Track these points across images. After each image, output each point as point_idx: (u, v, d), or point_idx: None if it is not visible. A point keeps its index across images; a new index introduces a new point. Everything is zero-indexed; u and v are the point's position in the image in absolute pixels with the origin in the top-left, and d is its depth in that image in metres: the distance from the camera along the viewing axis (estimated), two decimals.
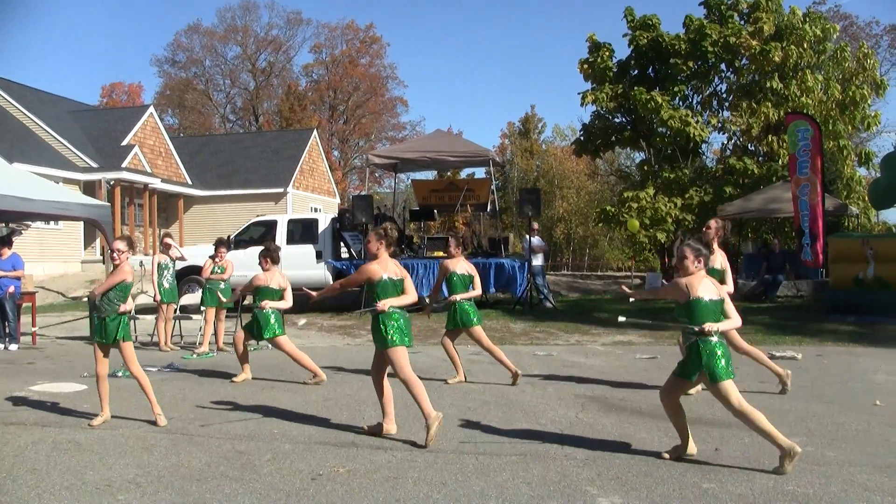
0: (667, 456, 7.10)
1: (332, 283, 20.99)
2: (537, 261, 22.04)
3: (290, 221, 22.30)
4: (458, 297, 10.79)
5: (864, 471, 6.64)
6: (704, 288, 6.83)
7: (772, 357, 12.45)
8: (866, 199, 25.03)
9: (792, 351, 12.91)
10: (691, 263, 6.90)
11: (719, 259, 9.67)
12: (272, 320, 11.24)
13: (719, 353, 6.70)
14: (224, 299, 14.69)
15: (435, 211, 27.09)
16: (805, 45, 28.27)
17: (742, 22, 29.92)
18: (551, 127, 78.94)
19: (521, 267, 21.05)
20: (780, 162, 28.01)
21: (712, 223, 9.88)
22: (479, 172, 33.66)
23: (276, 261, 11.67)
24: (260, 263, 11.60)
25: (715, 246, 9.53)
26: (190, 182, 39.16)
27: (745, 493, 6.11)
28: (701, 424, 8.33)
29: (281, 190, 38.37)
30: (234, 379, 11.38)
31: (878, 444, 7.46)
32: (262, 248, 11.93)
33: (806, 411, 8.84)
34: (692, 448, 7.11)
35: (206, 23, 78.26)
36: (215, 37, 67.36)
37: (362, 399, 9.89)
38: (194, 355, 14.12)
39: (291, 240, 21.47)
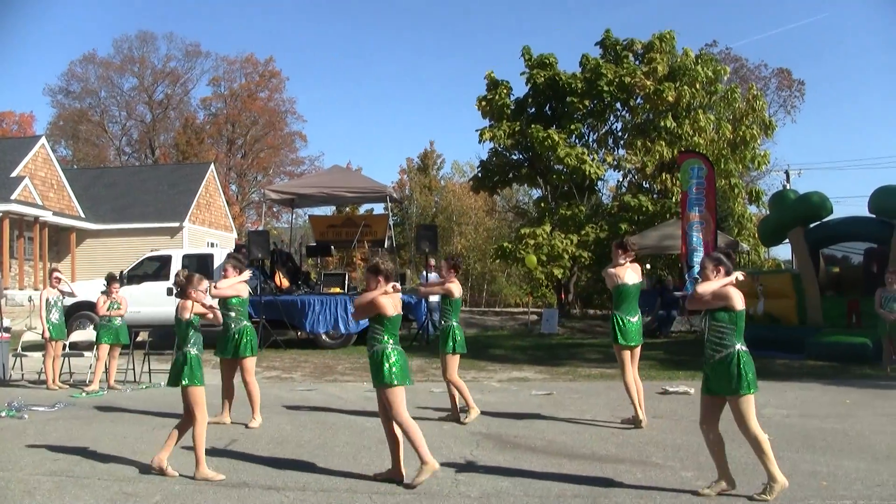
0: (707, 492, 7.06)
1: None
2: (434, 297, 22.02)
3: (185, 256, 21.92)
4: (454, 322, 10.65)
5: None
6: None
7: (664, 392, 12.66)
8: (756, 236, 25.64)
9: (685, 386, 13.08)
10: (711, 273, 7.06)
11: (634, 275, 10.12)
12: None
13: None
14: (121, 336, 14.38)
15: (332, 247, 26.93)
16: (697, 86, 29.02)
17: (637, 62, 30.59)
18: (450, 163, 79.34)
19: (417, 303, 21.03)
20: (673, 199, 28.58)
21: (632, 239, 10.34)
22: (378, 208, 33.66)
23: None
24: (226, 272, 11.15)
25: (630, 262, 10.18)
26: (83, 215, 38.19)
27: None
28: (594, 460, 8.38)
29: (177, 224, 37.73)
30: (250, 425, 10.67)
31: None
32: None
33: (697, 445, 8.89)
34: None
35: (101, 53, 76.62)
36: (111, 67, 66.15)
37: (255, 438, 9.72)
38: (83, 393, 13.71)
39: None
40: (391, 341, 7.56)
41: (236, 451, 9.12)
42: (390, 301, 7.55)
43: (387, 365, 7.47)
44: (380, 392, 7.64)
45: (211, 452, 8.63)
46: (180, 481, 7.73)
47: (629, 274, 10.08)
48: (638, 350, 10.20)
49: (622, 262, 10.10)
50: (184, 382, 8.15)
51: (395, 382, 7.48)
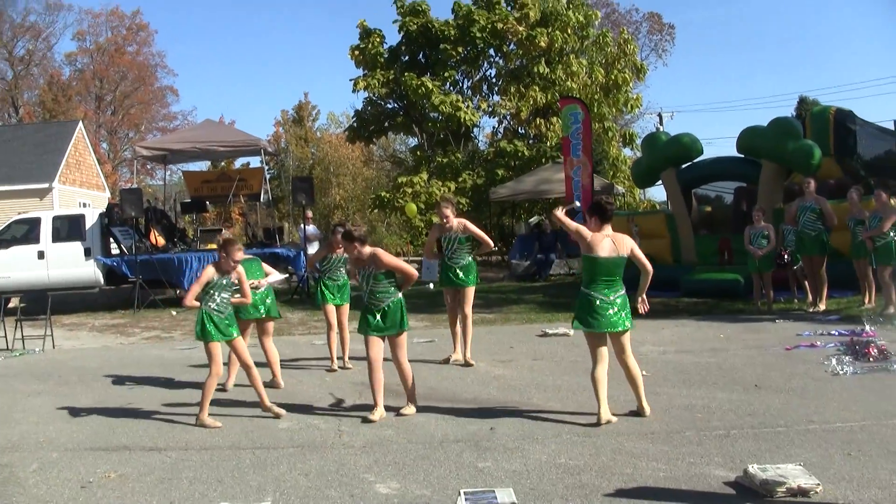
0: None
1: (101, 281, 20.28)
2: (313, 249, 21.91)
3: (56, 218, 21.20)
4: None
5: (630, 439, 6.92)
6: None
7: (544, 335, 12.85)
8: (630, 178, 26.09)
9: (564, 328, 13.24)
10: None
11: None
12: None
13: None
14: None
15: (207, 202, 26.51)
16: (569, 31, 29.32)
17: (509, 8, 30.71)
18: (325, 114, 78.67)
19: (296, 256, 20.88)
20: (548, 144, 28.96)
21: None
22: (254, 162, 33.22)
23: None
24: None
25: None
26: None
27: (520, 469, 6.24)
28: (477, 404, 8.48)
29: (46, 185, 36.30)
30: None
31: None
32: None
33: (577, 385, 9.09)
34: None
35: None
36: None
37: (136, 400, 9.55)
38: None
39: (57, 237, 20.44)
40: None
41: (116, 412, 8.95)
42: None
43: (404, 312, 8.15)
44: (397, 337, 8.18)
45: (73, 424, 8.49)
46: (58, 448, 7.55)
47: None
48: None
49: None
50: (196, 337, 8.46)
51: (407, 327, 8.24)
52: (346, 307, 10.87)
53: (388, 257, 8.21)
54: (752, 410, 7.64)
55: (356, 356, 10.98)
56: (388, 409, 8.21)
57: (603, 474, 6.03)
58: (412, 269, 8.30)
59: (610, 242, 7.61)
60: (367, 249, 8.09)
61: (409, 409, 8.20)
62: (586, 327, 7.54)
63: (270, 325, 10.24)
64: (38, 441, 7.87)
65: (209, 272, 8.21)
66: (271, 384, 9.63)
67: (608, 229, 7.73)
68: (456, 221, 10.63)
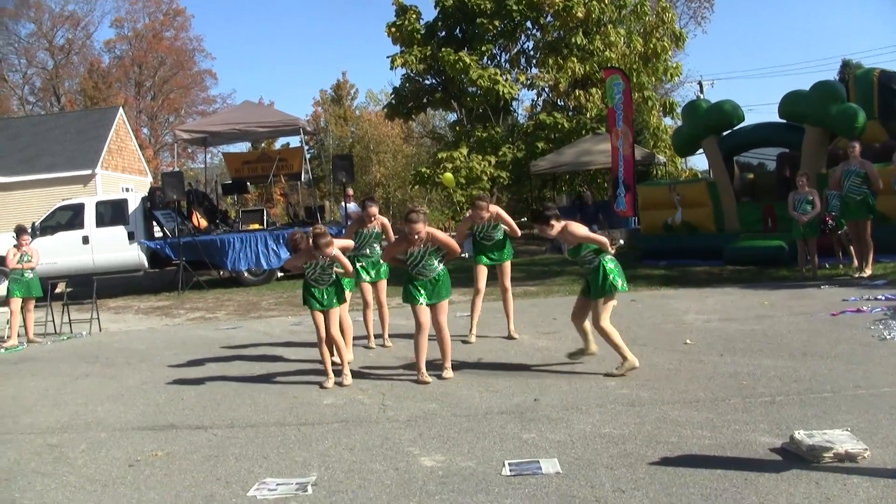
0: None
1: (145, 264, 20.50)
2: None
3: (99, 203, 21.44)
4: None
5: (675, 407, 6.90)
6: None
7: None
8: (671, 147, 25.88)
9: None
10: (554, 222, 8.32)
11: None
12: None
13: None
14: (33, 289, 14.11)
15: (248, 183, 26.62)
16: (606, 1, 28.98)
17: None
18: (364, 92, 78.69)
19: (338, 234, 20.91)
20: (588, 115, 28.75)
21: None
22: (294, 142, 33.25)
23: None
24: None
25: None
26: None
27: (565, 440, 6.24)
28: (521, 376, 8.50)
29: (89, 172, 36.62)
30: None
31: (689, 380, 7.75)
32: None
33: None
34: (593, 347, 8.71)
35: None
36: (5, 13, 63.69)
37: (182, 380, 9.66)
38: (2, 349, 13.46)
39: (101, 222, 20.72)
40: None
41: (162, 392, 9.07)
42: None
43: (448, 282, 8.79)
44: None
45: (120, 404, 8.60)
46: (106, 428, 7.66)
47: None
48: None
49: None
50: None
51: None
52: (384, 283, 10.89)
53: (441, 235, 8.68)
54: (797, 377, 7.58)
55: (394, 333, 11.07)
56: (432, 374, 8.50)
57: (648, 443, 6.02)
58: (457, 247, 8.84)
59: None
60: (422, 228, 8.40)
61: (449, 373, 8.68)
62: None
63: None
64: (87, 422, 7.99)
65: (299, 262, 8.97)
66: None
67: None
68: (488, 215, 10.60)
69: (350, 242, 10.00)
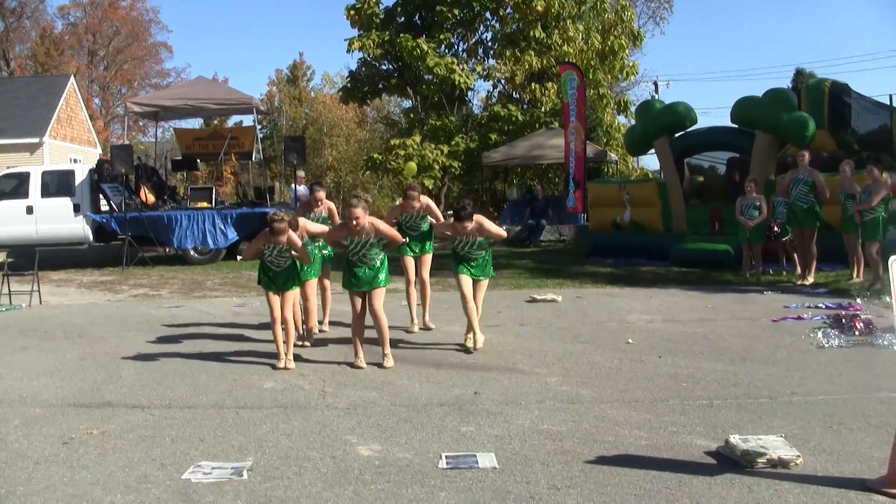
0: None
1: (90, 237, 20.28)
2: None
3: (45, 174, 21.08)
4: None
5: (613, 406, 6.95)
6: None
7: (532, 300, 12.87)
8: (624, 145, 26.02)
9: (553, 294, 13.30)
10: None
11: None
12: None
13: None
14: None
15: (199, 160, 26.38)
16: None
17: None
18: (320, 74, 78.17)
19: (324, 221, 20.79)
20: (542, 109, 28.83)
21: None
22: (247, 121, 33.00)
23: None
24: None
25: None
26: None
27: (503, 435, 6.26)
28: (462, 369, 8.50)
29: (36, 140, 35.97)
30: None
31: (628, 380, 7.81)
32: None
33: (563, 351, 9.15)
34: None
35: None
36: None
37: (121, 357, 9.56)
38: None
39: (46, 193, 20.38)
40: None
41: (101, 369, 8.97)
42: None
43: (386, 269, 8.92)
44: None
45: (57, 379, 8.49)
46: (41, 404, 7.56)
47: None
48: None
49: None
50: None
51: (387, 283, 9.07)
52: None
53: (383, 226, 8.86)
54: (736, 381, 7.67)
55: (335, 320, 11.05)
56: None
57: (585, 441, 6.06)
58: (399, 236, 9.22)
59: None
60: (363, 216, 8.48)
61: (390, 361, 8.75)
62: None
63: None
64: (22, 396, 7.88)
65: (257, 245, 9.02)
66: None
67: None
68: (418, 205, 10.55)
69: (324, 228, 9.94)
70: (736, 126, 17.77)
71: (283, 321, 8.96)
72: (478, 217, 9.42)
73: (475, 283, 9.64)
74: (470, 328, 9.55)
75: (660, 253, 17.28)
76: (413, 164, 26.87)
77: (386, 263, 8.84)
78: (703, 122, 19.53)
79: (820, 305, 11.71)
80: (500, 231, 9.98)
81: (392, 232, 8.92)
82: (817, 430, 6.16)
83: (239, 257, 20.24)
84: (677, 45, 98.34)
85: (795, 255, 14.77)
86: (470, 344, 9.53)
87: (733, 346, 9.31)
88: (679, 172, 18.49)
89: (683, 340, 9.71)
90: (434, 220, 10.61)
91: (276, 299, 8.97)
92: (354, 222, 8.36)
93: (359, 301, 8.76)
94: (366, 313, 8.80)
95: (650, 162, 37.79)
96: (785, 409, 6.72)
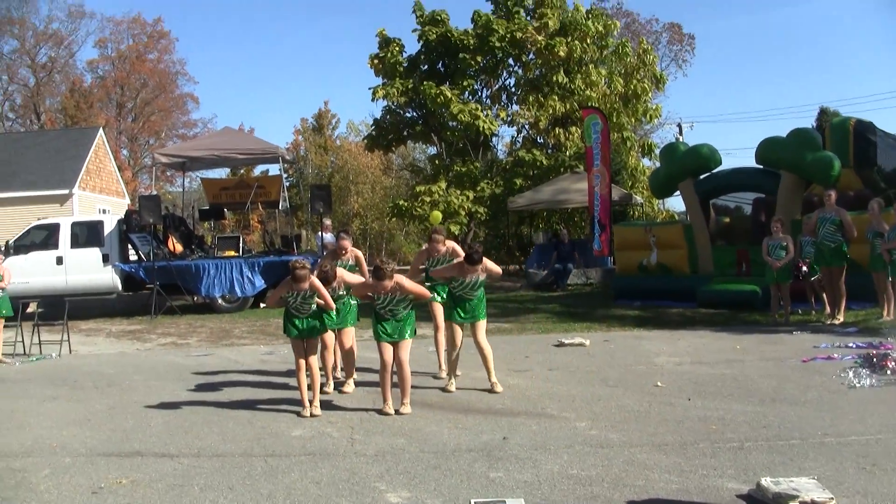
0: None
1: (119, 287, 20.40)
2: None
3: (74, 224, 21.28)
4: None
5: (643, 450, 6.89)
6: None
7: (560, 344, 12.81)
8: (648, 188, 26.00)
9: (580, 337, 13.23)
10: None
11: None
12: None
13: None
14: (3, 309, 13.97)
15: (225, 209, 26.58)
16: (588, 41, 29.23)
17: (528, 17, 30.60)
18: (345, 123, 78.64)
19: (314, 264, 20.85)
20: (567, 153, 28.89)
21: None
22: (273, 170, 33.24)
23: None
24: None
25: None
26: None
27: (532, 480, 6.22)
28: (490, 414, 8.47)
29: (66, 192, 36.34)
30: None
31: (658, 423, 7.75)
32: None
33: (592, 395, 9.09)
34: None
35: None
36: None
37: (150, 406, 9.57)
38: None
39: (76, 243, 20.57)
40: None
41: (130, 418, 8.98)
42: None
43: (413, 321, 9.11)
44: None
45: (86, 429, 8.49)
46: (70, 453, 7.58)
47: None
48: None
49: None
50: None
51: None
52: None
53: (409, 284, 8.91)
54: (766, 423, 7.59)
55: (361, 367, 11.00)
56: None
57: (615, 486, 6.01)
58: (427, 292, 9.47)
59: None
60: (389, 283, 8.62)
61: (407, 409, 8.80)
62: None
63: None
64: (52, 446, 7.90)
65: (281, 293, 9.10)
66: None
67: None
68: (444, 248, 10.54)
69: (360, 279, 9.99)
70: (761, 167, 17.73)
71: (308, 368, 8.97)
72: (449, 243, 10.43)
73: (474, 325, 9.74)
74: (451, 373, 10.11)
75: (687, 295, 17.20)
76: (438, 213, 26.93)
77: (413, 317, 8.99)
78: (728, 163, 19.53)
79: (850, 345, 11.57)
80: (499, 269, 10.28)
81: (418, 289, 9.03)
82: (850, 472, 6.08)
83: (263, 305, 20.30)
84: (700, 87, 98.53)
85: (824, 294, 14.67)
86: (452, 389, 9.86)
87: (763, 387, 9.22)
88: (705, 214, 18.45)
89: (712, 382, 9.62)
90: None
91: (300, 345, 9.02)
92: (383, 291, 8.60)
93: (388, 350, 8.84)
94: (392, 362, 8.86)
95: (676, 204, 37.72)
96: (817, 451, 6.65)
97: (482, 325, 9.82)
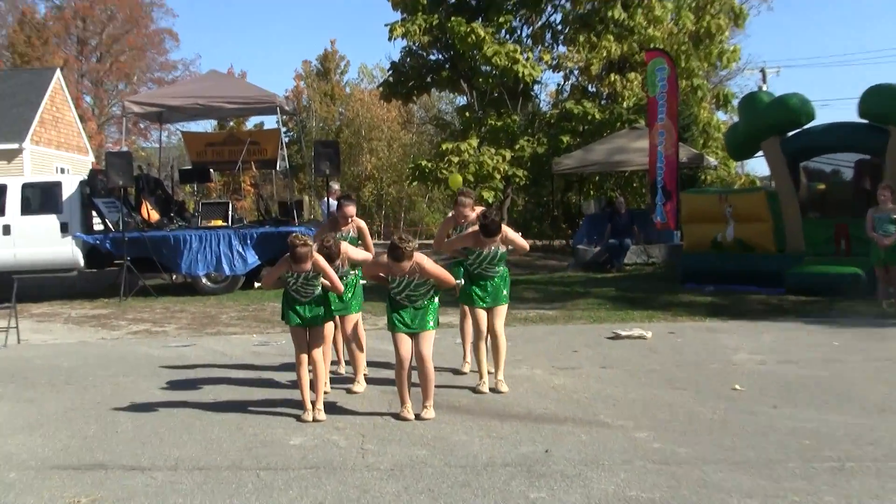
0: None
1: (80, 262, 20.39)
2: None
3: (26, 186, 21.21)
4: None
5: (719, 468, 6.79)
6: None
7: (616, 337, 12.73)
8: (724, 147, 25.81)
9: (640, 329, 13.17)
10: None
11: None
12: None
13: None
14: None
15: (212, 170, 26.54)
16: None
17: None
18: (356, 66, 78.75)
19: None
20: (624, 105, 28.70)
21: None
22: (269, 122, 33.26)
23: None
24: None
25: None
26: None
27: (581, 503, 6.13)
28: (530, 420, 8.40)
29: (15, 146, 36.33)
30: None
31: (736, 435, 7.65)
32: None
33: (654, 399, 9.02)
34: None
35: None
36: None
37: (117, 408, 9.55)
38: None
39: (27, 209, 20.50)
40: None
41: (92, 423, 8.95)
42: None
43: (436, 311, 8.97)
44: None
45: (38, 436, 8.47)
46: (17, 466, 7.54)
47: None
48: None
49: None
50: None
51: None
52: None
53: (430, 266, 8.67)
54: (873, 438, 7.48)
55: (374, 361, 10.95)
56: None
57: None
58: (452, 278, 9.07)
59: None
60: (408, 263, 8.42)
61: (430, 413, 8.74)
62: None
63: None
64: None
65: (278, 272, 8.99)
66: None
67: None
68: (473, 214, 10.42)
69: (368, 256, 9.90)
70: (865, 121, 17.53)
71: (311, 363, 8.91)
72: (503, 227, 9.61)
73: (493, 309, 9.77)
74: (481, 371, 9.90)
75: (771, 278, 17.08)
76: (458, 177, 26.84)
77: (436, 304, 8.86)
78: (822, 118, 19.30)
79: None
80: (525, 243, 10.14)
81: (440, 273, 8.77)
82: None
83: (257, 285, 20.31)
84: (790, 25, 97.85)
85: None
86: (484, 389, 9.69)
87: (868, 393, 9.11)
88: (794, 179, 18.26)
89: (804, 386, 9.53)
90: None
91: (302, 335, 8.94)
92: (400, 273, 8.45)
93: (405, 343, 8.69)
94: (411, 358, 8.73)
95: (758, 167, 37.52)
96: None
97: (503, 310, 9.88)
